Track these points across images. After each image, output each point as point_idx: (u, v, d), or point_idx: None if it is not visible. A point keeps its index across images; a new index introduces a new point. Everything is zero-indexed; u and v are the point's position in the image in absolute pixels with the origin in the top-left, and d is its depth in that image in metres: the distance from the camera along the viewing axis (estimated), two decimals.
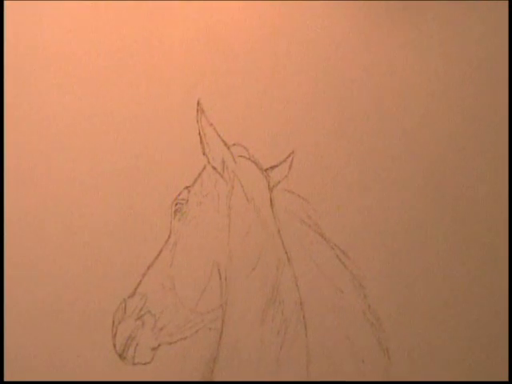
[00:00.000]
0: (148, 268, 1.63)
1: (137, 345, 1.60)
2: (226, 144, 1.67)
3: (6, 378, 1.59)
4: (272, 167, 1.69)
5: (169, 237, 1.64)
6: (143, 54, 1.64)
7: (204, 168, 1.66)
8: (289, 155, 1.68)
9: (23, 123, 1.63)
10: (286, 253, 1.66)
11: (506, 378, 1.70)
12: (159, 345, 1.62)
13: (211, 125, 1.65)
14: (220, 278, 1.64)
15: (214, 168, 1.66)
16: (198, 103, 1.65)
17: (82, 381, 1.62)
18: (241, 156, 1.67)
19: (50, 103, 1.64)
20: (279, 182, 1.68)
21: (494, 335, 1.73)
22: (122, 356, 1.60)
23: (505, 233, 1.73)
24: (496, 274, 1.75)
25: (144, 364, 1.61)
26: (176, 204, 1.64)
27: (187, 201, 1.64)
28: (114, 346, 1.60)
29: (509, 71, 1.79)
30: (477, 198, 1.75)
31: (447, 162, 1.75)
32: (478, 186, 1.76)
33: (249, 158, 1.68)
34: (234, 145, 1.67)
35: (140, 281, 1.62)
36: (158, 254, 1.63)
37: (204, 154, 1.65)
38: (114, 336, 1.60)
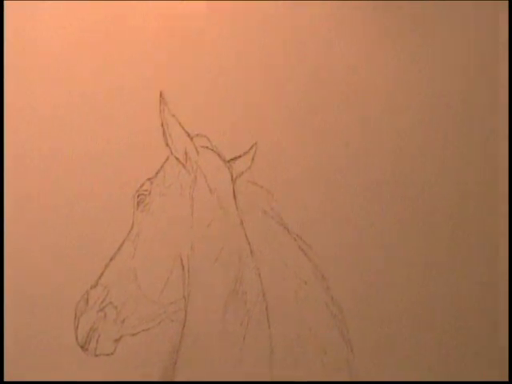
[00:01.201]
0: (110, 259, 1.63)
1: (99, 336, 1.60)
2: (188, 135, 1.66)
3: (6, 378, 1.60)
4: (235, 158, 1.69)
5: (131, 228, 1.64)
6: (106, 46, 1.63)
7: (167, 159, 1.66)
8: (252, 146, 1.68)
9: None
10: (249, 244, 1.66)
11: (506, 378, 1.71)
12: (121, 336, 1.62)
13: (173, 116, 1.65)
14: (183, 270, 1.64)
15: (177, 159, 1.65)
16: (161, 94, 1.65)
17: (82, 381, 1.63)
18: (203, 147, 1.67)
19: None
20: (242, 173, 1.69)
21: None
22: (84, 347, 1.60)
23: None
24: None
25: (106, 355, 1.61)
26: (138, 195, 1.64)
27: (150, 192, 1.64)
28: (76, 337, 1.60)
29: (509, 71, 1.79)
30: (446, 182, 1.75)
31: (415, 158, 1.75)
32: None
33: (212, 149, 1.68)
34: (196, 135, 1.67)
35: (102, 272, 1.62)
36: (121, 246, 1.63)
37: (167, 145, 1.65)
38: (76, 328, 1.60)
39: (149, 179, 1.64)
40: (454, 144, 1.76)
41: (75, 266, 1.62)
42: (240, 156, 1.69)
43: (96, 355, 1.60)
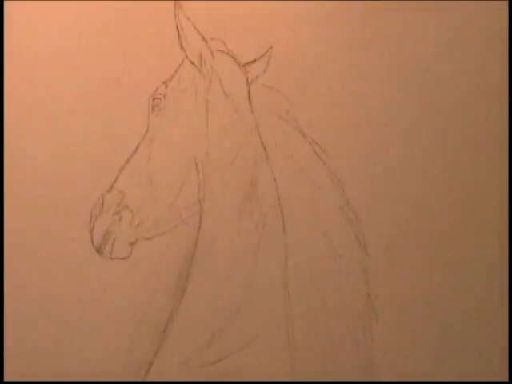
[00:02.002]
0: (125, 163, 1.64)
1: (114, 240, 1.62)
2: (204, 38, 1.66)
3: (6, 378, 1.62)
4: (250, 62, 1.69)
5: (146, 132, 1.65)
6: None
7: (182, 62, 1.66)
8: (267, 50, 1.68)
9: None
10: (264, 148, 1.67)
11: (505, 378, 1.72)
12: (137, 240, 1.64)
13: (189, 19, 1.64)
14: (198, 174, 1.65)
15: (192, 62, 1.66)
16: None
17: (82, 381, 1.64)
18: (219, 50, 1.67)
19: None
20: (257, 76, 1.69)
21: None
22: (99, 251, 1.62)
23: None
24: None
25: (121, 259, 1.63)
26: (153, 99, 1.66)
27: (165, 96, 1.65)
28: (92, 241, 1.62)
29: (509, 71, 1.79)
30: None
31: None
32: None
33: (227, 53, 1.68)
34: (212, 39, 1.67)
35: (117, 176, 1.64)
36: (136, 149, 1.65)
37: (182, 48, 1.65)
38: (92, 231, 1.63)
39: (164, 83, 1.65)
40: None
41: (90, 169, 1.65)
42: (255, 60, 1.69)
43: (111, 258, 1.63)
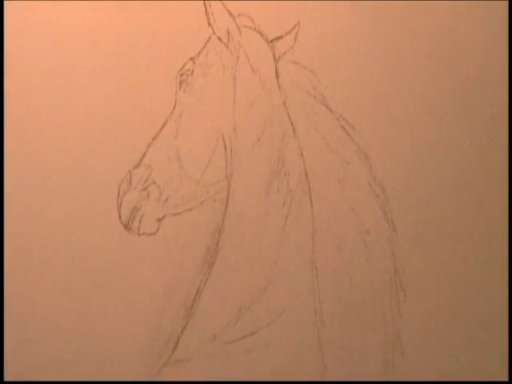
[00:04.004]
0: (153, 139, 1.65)
1: (142, 215, 1.63)
2: (231, 14, 1.67)
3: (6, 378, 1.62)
4: (277, 38, 1.69)
5: (174, 108, 1.66)
6: None
7: (209, 39, 1.67)
8: (294, 26, 1.69)
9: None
10: (292, 124, 1.67)
11: (505, 378, 1.72)
12: (164, 216, 1.65)
13: None
14: (225, 150, 1.66)
15: (219, 39, 1.67)
16: None
17: (82, 381, 1.65)
18: (246, 26, 1.68)
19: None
20: (285, 53, 1.69)
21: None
22: (127, 227, 1.63)
23: None
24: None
25: (149, 235, 1.64)
26: (181, 75, 1.66)
27: (192, 71, 1.66)
28: (120, 216, 1.63)
29: (509, 71, 1.79)
30: None
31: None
32: None
33: (254, 29, 1.69)
34: (239, 15, 1.68)
35: (145, 152, 1.65)
36: (163, 125, 1.66)
37: (209, 24, 1.66)
38: (120, 207, 1.64)
39: (191, 59, 1.66)
40: None
41: (118, 145, 1.65)
42: (282, 36, 1.69)
43: (139, 234, 1.63)
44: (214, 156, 1.67)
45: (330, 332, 1.65)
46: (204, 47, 1.68)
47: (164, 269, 1.66)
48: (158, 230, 1.65)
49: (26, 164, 1.66)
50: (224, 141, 1.67)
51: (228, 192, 1.67)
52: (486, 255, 1.74)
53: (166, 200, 1.65)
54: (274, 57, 1.69)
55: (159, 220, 1.64)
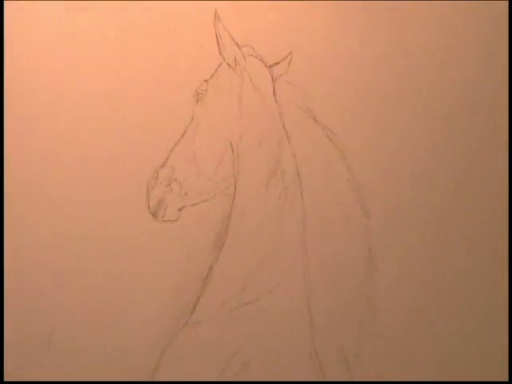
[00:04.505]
0: (175, 144, 1.73)
1: (166, 206, 1.71)
2: (237, 45, 1.75)
3: (6, 378, 1.64)
4: (275, 64, 1.77)
5: (192, 120, 1.73)
6: None
7: (220, 65, 1.75)
8: (288, 54, 1.77)
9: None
10: (286, 132, 1.75)
11: (505, 378, 1.67)
12: (184, 206, 1.72)
13: (226, 29, 1.73)
14: (232, 153, 1.74)
15: (229, 64, 1.74)
16: (215, 13, 1.74)
17: (83, 381, 1.67)
18: (250, 55, 1.76)
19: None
20: (281, 75, 1.76)
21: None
22: (154, 215, 1.71)
23: None
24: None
25: (172, 221, 1.72)
26: (197, 94, 1.74)
27: (206, 91, 1.74)
28: (148, 207, 1.71)
29: (509, 71, 1.74)
30: None
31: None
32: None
33: (256, 57, 1.76)
34: (244, 46, 1.76)
35: (169, 155, 1.72)
36: (183, 133, 1.73)
37: (220, 53, 1.74)
38: (148, 199, 1.71)
39: (205, 81, 1.74)
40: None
41: (147, 150, 1.72)
42: (279, 62, 1.77)
43: (164, 221, 1.71)
44: (223, 158, 1.74)
45: (316, 299, 1.72)
46: (216, 71, 1.75)
47: (183, 249, 1.72)
48: (178, 217, 1.71)
49: (68, 163, 1.71)
50: (232, 146, 1.74)
51: (235, 187, 1.73)
52: (444, 237, 1.78)
53: (186, 194, 1.72)
54: (272, 78, 1.76)
55: (180, 209, 1.71)
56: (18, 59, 1.69)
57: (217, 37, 1.74)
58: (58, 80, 1.70)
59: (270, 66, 1.77)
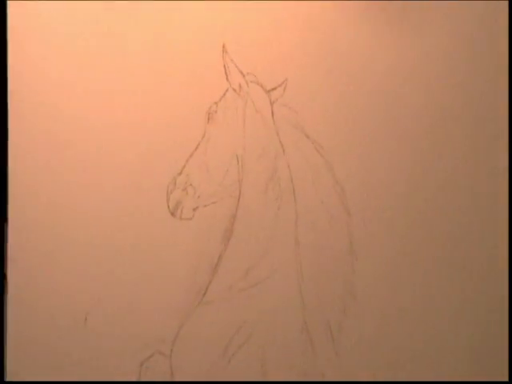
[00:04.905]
0: (190, 156, 1.87)
1: (183, 207, 1.85)
2: (242, 73, 1.88)
3: (7, 378, 1.69)
4: (273, 89, 1.91)
5: (204, 135, 1.88)
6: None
7: (227, 89, 1.88)
8: (284, 81, 1.90)
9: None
10: (282, 146, 1.90)
11: (505, 378, 1.66)
12: (197, 207, 1.86)
13: (232, 60, 1.86)
14: (238, 163, 1.88)
15: (234, 90, 1.87)
16: (223, 46, 1.86)
17: (83, 381, 1.75)
18: (252, 81, 1.90)
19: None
20: (277, 99, 1.90)
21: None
22: (173, 214, 1.86)
23: None
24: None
25: (187, 220, 1.86)
26: (208, 113, 1.88)
27: (215, 111, 1.87)
28: (168, 207, 1.85)
29: (509, 71, 1.73)
30: None
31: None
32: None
33: (257, 83, 1.90)
34: (247, 74, 1.89)
35: (185, 164, 1.87)
36: (197, 146, 1.88)
37: (227, 79, 1.87)
38: (168, 201, 1.86)
39: (215, 103, 1.88)
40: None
41: (167, 160, 1.86)
42: (276, 87, 1.90)
43: (181, 219, 1.85)
44: (230, 167, 1.87)
45: (307, 283, 1.87)
46: (224, 95, 1.88)
47: (197, 242, 1.85)
48: (193, 216, 1.85)
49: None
50: (237, 157, 1.88)
51: (239, 191, 1.87)
52: (422, 232, 1.88)
53: (199, 197, 1.85)
54: (271, 102, 1.89)
55: (194, 210, 1.85)
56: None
57: (224, 66, 1.87)
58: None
59: (268, 91, 1.91)
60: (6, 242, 1.74)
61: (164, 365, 1.84)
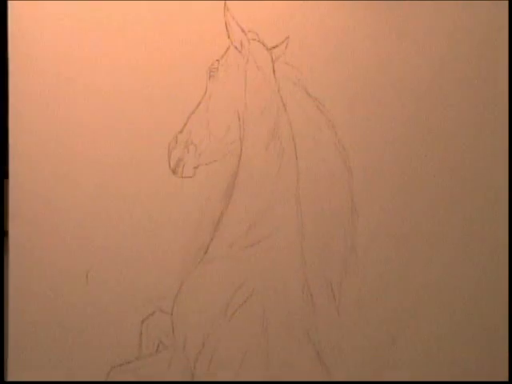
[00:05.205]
0: (192, 113, 1.88)
1: (184, 165, 1.86)
2: (243, 31, 1.89)
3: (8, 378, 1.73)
4: (274, 47, 1.91)
5: (205, 93, 1.89)
6: None
7: (229, 47, 1.90)
8: (285, 38, 1.91)
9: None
10: (283, 104, 1.89)
11: (505, 378, 1.66)
12: (199, 165, 1.87)
13: (234, 18, 1.88)
14: (239, 120, 1.88)
15: (236, 47, 1.88)
16: (225, 4, 1.88)
17: (82, 381, 1.76)
18: (253, 39, 1.90)
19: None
20: (279, 56, 1.91)
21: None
22: (174, 172, 1.87)
23: None
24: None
25: (188, 178, 1.87)
26: (210, 71, 1.89)
27: (217, 69, 1.89)
28: (169, 165, 1.87)
29: (509, 71, 1.74)
30: None
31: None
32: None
33: (259, 41, 1.90)
34: (249, 31, 1.90)
35: (186, 122, 1.88)
36: (198, 104, 1.88)
37: (228, 37, 1.88)
38: (169, 159, 1.87)
39: (217, 60, 1.89)
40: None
41: (169, 118, 1.86)
42: (277, 45, 1.90)
43: (182, 177, 1.87)
44: (231, 124, 1.88)
45: (308, 241, 1.88)
46: (225, 53, 1.89)
47: (198, 200, 1.87)
48: (194, 174, 1.86)
49: (97, 126, 1.83)
50: (238, 114, 1.88)
51: (241, 149, 1.87)
52: (425, 193, 1.87)
53: (200, 154, 1.86)
54: (272, 59, 1.89)
55: (195, 168, 1.86)
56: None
57: (226, 24, 1.88)
58: (79, 55, 1.80)
59: (270, 49, 1.91)
60: (7, 198, 1.76)
61: (165, 322, 1.86)
